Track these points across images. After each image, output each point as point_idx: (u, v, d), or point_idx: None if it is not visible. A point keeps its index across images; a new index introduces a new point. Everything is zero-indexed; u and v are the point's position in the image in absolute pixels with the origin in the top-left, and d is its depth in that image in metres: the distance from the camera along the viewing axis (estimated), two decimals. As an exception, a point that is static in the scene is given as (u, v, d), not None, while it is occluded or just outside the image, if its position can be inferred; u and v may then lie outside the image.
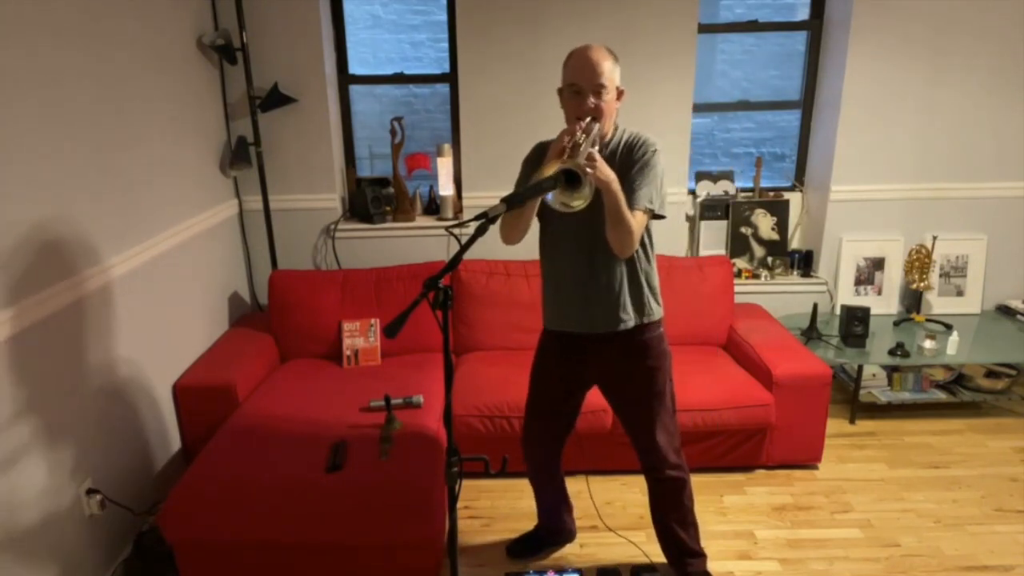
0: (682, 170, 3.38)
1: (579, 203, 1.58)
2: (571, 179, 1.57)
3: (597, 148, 1.74)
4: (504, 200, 1.50)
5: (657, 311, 1.96)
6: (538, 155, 1.92)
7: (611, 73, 1.79)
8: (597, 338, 1.95)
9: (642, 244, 1.90)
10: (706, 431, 2.68)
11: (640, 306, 1.92)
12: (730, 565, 2.30)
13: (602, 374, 2.04)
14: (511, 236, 1.88)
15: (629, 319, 1.91)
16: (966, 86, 3.26)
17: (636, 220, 1.75)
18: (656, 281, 1.97)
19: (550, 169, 1.57)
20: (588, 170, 1.57)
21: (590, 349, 1.99)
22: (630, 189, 1.77)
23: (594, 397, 2.15)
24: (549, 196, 1.58)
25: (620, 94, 1.86)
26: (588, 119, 1.76)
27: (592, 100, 1.78)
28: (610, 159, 1.81)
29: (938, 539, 2.41)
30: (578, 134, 1.69)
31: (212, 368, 2.70)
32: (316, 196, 3.33)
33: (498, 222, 1.67)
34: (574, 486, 2.33)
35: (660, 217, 1.86)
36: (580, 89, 1.79)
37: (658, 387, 1.98)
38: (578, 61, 1.80)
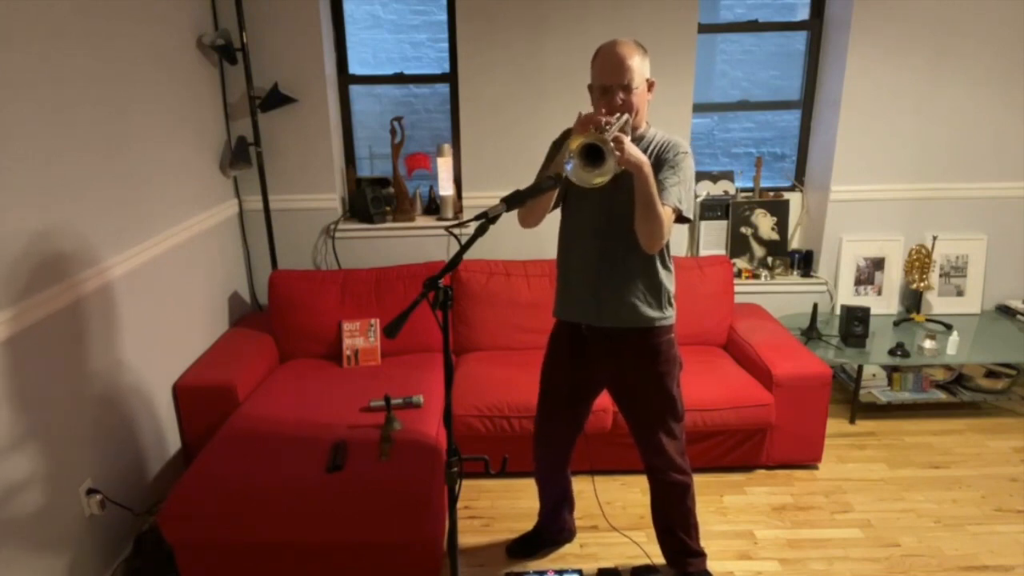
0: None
1: (600, 180, 1.57)
2: (594, 155, 1.56)
3: (629, 139, 1.71)
4: (504, 200, 1.50)
5: (670, 316, 1.95)
6: (566, 139, 1.90)
7: (640, 68, 1.78)
8: (604, 334, 1.94)
9: None
10: (706, 431, 2.68)
11: (651, 308, 1.90)
12: (730, 565, 2.30)
13: (611, 376, 2.03)
14: (528, 219, 1.88)
15: (636, 318, 1.90)
16: (966, 86, 3.26)
17: (665, 215, 1.74)
18: (672, 286, 1.95)
19: (575, 142, 1.56)
20: (616, 152, 1.56)
21: (599, 348, 1.98)
22: (660, 187, 1.76)
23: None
24: (569, 167, 1.56)
25: (651, 86, 1.85)
26: (618, 115, 1.75)
27: (621, 96, 1.78)
28: None
29: (938, 539, 2.41)
30: (604, 119, 1.67)
31: (212, 368, 2.70)
32: (316, 196, 3.33)
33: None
34: (577, 486, 2.34)
35: (686, 220, 1.84)
36: (608, 87, 1.79)
37: (667, 392, 1.97)
38: (605, 59, 1.79)
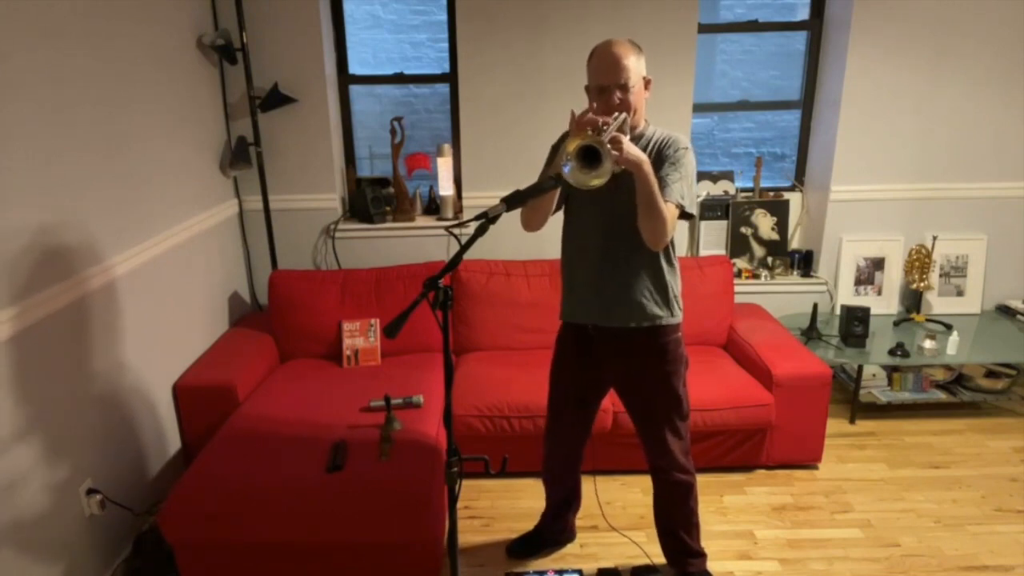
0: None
1: (597, 181, 1.56)
2: (591, 157, 1.56)
3: (628, 138, 1.71)
4: (504, 200, 1.50)
5: (677, 315, 1.95)
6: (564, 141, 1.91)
7: (635, 66, 1.78)
8: (611, 334, 1.94)
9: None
10: (706, 431, 2.68)
11: (659, 306, 1.90)
12: (730, 565, 2.30)
13: (618, 375, 2.03)
14: (531, 222, 1.88)
15: (643, 317, 1.90)
16: (966, 86, 3.26)
17: (668, 211, 1.74)
18: (678, 284, 1.95)
19: (572, 144, 1.56)
20: (614, 152, 1.56)
21: (606, 348, 1.98)
22: (662, 184, 1.76)
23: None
24: (567, 169, 1.56)
25: (647, 84, 1.85)
26: (616, 114, 1.74)
27: (618, 96, 1.78)
28: None
29: (938, 539, 2.41)
30: (601, 120, 1.67)
31: (212, 368, 2.70)
32: (316, 196, 3.33)
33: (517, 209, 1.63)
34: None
35: (689, 216, 1.84)
36: (605, 87, 1.79)
37: (673, 391, 1.98)
38: (601, 59, 1.79)
